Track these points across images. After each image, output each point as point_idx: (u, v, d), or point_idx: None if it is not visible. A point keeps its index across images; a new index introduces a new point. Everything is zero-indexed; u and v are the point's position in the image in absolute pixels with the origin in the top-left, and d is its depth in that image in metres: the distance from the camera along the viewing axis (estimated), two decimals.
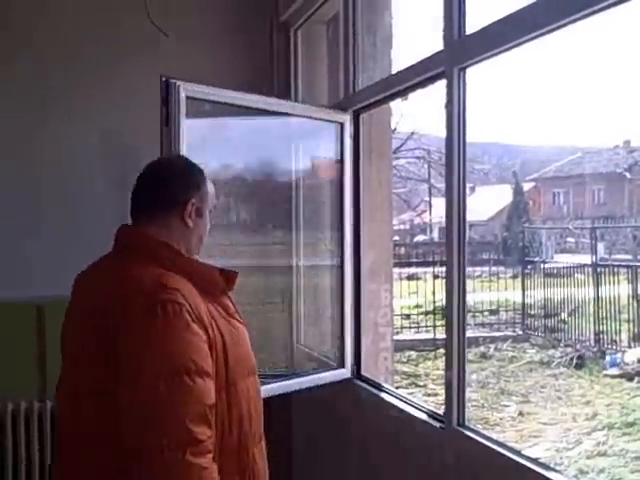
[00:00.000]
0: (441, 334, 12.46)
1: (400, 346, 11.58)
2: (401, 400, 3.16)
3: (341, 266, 3.69)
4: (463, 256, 2.64)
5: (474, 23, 2.61)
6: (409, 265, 18.98)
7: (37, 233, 4.16)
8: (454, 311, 2.66)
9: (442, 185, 17.62)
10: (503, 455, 2.34)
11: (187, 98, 2.91)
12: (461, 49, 2.60)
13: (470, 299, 14.51)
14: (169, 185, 2.13)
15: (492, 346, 11.61)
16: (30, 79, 4.22)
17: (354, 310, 3.70)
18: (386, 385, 3.42)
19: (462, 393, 2.65)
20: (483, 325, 13.30)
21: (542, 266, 14.36)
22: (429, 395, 9.02)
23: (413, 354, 11.47)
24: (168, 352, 1.86)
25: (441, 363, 10.80)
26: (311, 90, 4.50)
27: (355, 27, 3.63)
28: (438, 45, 2.77)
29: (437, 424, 2.77)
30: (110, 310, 1.92)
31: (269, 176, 4.43)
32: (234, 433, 2.02)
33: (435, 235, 31.97)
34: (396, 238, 26.91)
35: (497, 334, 12.51)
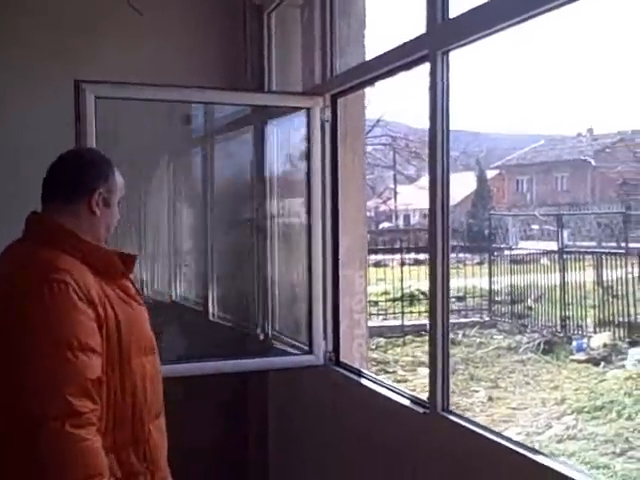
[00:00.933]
0: (409, 321, 12.53)
1: (369, 333, 11.61)
2: (382, 386, 3.15)
3: (309, 251, 3.67)
4: (447, 242, 2.62)
5: (457, 6, 2.60)
6: (375, 252, 19.05)
7: None
8: (438, 296, 2.65)
9: (409, 172, 17.73)
10: (489, 439, 2.34)
11: (97, 98, 3.26)
12: (445, 32, 2.58)
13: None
14: (76, 175, 2.25)
15: (460, 332, 11.66)
16: None
17: (332, 296, 3.67)
18: (365, 371, 3.40)
19: (447, 378, 2.64)
20: (450, 311, 13.33)
21: (508, 253, 14.46)
22: (399, 381, 9.02)
23: (382, 341, 11.50)
24: (52, 328, 1.98)
25: (410, 349, 10.89)
26: (286, 75, 4.45)
27: (332, 10, 3.59)
28: (418, 29, 2.75)
29: (421, 409, 2.76)
30: (2, 292, 2.08)
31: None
32: (127, 407, 2.14)
33: (400, 222, 32.17)
34: None
35: (465, 320, 12.59)
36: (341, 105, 3.83)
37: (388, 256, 17.75)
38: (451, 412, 2.61)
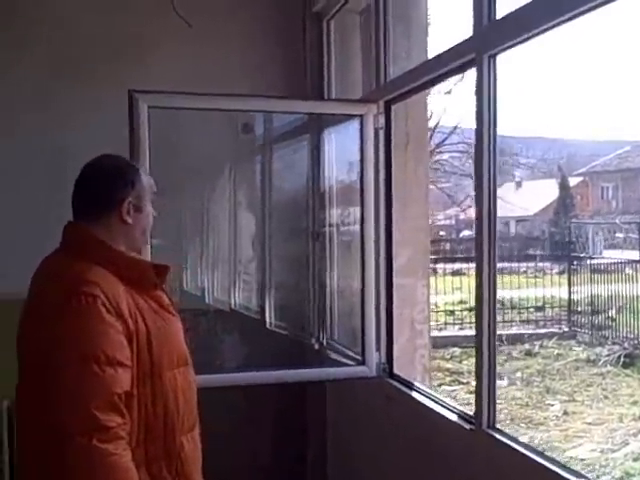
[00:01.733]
0: None
1: (444, 342, 11.44)
2: (432, 400, 3.06)
3: (362, 260, 3.60)
4: (494, 252, 2.52)
5: (505, 7, 2.50)
6: (453, 261, 18.81)
7: None
8: (485, 308, 2.55)
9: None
10: (532, 460, 2.23)
11: (150, 107, 3.27)
12: (491, 35, 2.49)
13: (515, 295, 14.33)
14: (102, 190, 2.21)
15: (537, 343, 11.38)
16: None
17: (386, 307, 3.60)
18: (417, 384, 3.31)
19: (493, 394, 2.54)
20: (528, 322, 13.08)
21: (589, 262, 14.05)
22: (472, 393, 8.83)
23: (457, 351, 11.28)
24: (79, 342, 1.97)
25: None
26: (346, 83, 4.41)
27: (386, 15, 3.53)
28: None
29: (467, 425, 2.67)
30: (34, 305, 2.10)
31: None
32: (159, 420, 2.11)
33: None
34: (442, 233, 26.69)
35: (543, 331, 12.30)
36: (402, 112, 3.78)
37: (466, 265, 17.45)
38: (497, 429, 2.52)
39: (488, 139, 2.52)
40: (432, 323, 12.03)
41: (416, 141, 4.00)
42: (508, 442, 2.40)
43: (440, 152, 16.51)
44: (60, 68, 4.14)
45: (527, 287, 14.87)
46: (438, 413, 2.92)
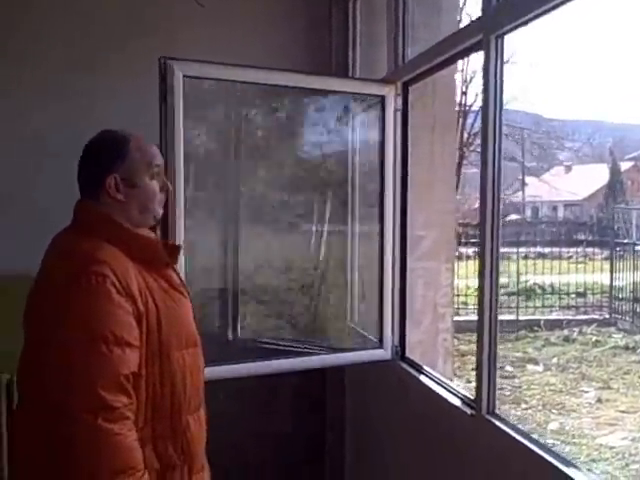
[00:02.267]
0: (524, 315, 12.20)
1: (472, 327, 11.36)
2: (438, 384, 3.04)
3: (381, 243, 3.57)
4: (497, 236, 2.49)
5: None
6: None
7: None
8: (486, 293, 2.52)
9: (531, 164, 17.17)
10: (525, 446, 2.21)
11: (185, 77, 3.05)
12: (497, 15, 2.44)
13: (559, 281, 14.16)
14: (87, 168, 2.17)
15: (576, 329, 11.25)
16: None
17: (400, 291, 3.58)
18: (426, 368, 3.30)
19: (493, 380, 2.53)
20: (569, 308, 12.93)
21: (633, 248, 13.80)
22: (506, 378, 8.80)
23: None
24: (87, 322, 1.95)
25: (521, 345, 10.58)
26: (371, 64, 4.37)
27: None
28: None
29: (469, 410, 2.65)
30: (43, 284, 2.06)
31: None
32: (166, 399, 2.10)
33: (528, 214, 31.38)
34: None
35: (583, 317, 12.14)
36: (429, 94, 3.75)
37: (511, 249, 17.25)
38: (496, 415, 2.50)
39: (494, 122, 2.49)
40: (462, 307, 12.05)
41: (443, 123, 3.96)
42: (505, 428, 2.38)
43: None
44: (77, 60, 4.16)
45: (572, 272, 14.70)
46: (443, 397, 2.90)
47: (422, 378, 3.20)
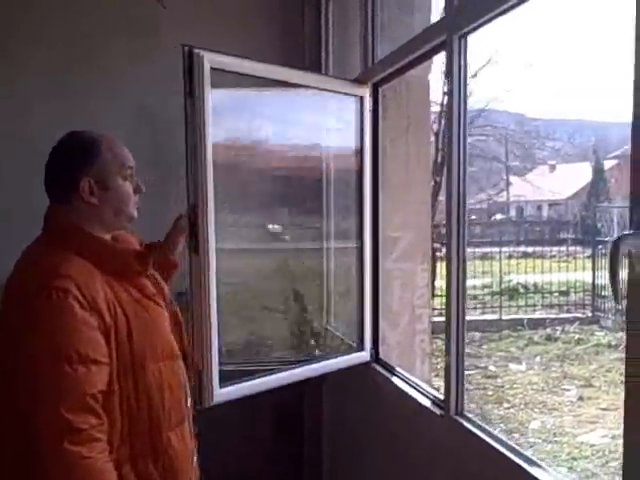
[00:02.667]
0: (507, 315, 12.22)
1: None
2: (410, 385, 3.04)
3: (361, 248, 3.55)
4: (463, 237, 2.48)
5: None
6: (481, 245, 18.69)
7: None
8: (453, 294, 2.51)
9: (514, 163, 17.15)
10: (492, 447, 2.21)
11: (213, 69, 2.77)
12: (459, 15, 2.44)
13: (542, 280, 14.19)
14: (56, 171, 2.11)
15: (559, 328, 11.28)
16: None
17: (372, 293, 3.57)
18: (399, 369, 3.29)
19: (461, 381, 2.51)
20: (552, 306, 12.96)
21: None
22: (488, 377, 8.81)
23: (477, 335, 11.20)
24: (49, 340, 1.89)
25: (504, 344, 10.59)
26: (344, 65, 4.36)
27: None
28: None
29: (438, 411, 2.64)
30: (7, 298, 2.01)
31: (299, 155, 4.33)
32: (143, 415, 2.04)
33: (513, 214, 31.45)
34: (473, 217, 26.53)
35: (566, 315, 12.18)
36: (404, 95, 3.74)
37: (496, 248, 17.31)
38: (465, 416, 2.48)
39: (458, 121, 2.48)
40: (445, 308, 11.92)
41: (417, 124, 3.95)
42: (473, 429, 2.37)
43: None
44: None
45: (556, 271, 14.74)
46: (414, 398, 2.89)
47: (395, 380, 3.19)
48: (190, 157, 2.65)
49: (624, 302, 1.58)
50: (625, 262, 1.54)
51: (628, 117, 1.57)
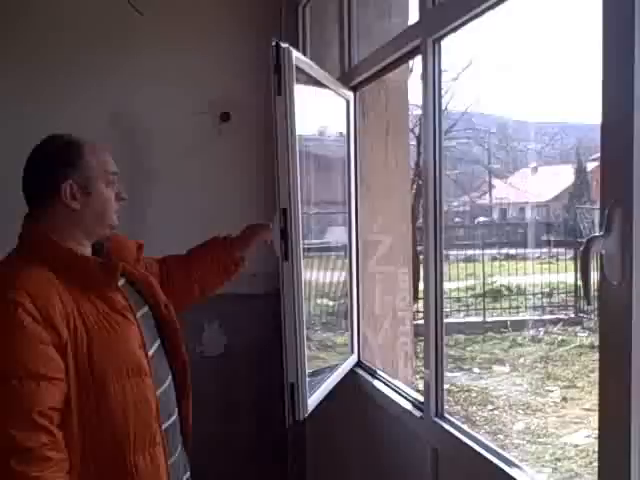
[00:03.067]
0: (491, 317, 12.27)
1: (449, 329, 11.42)
2: (390, 387, 3.04)
3: (349, 249, 3.56)
4: (440, 239, 2.49)
5: None
6: (465, 247, 18.74)
7: None
8: (431, 296, 2.51)
9: (496, 166, 17.23)
10: (471, 449, 2.21)
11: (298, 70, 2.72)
12: (433, 19, 2.45)
13: (526, 282, 14.23)
14: (34, 175, 2.05)
15: (543, 329, 11.32)
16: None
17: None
18: (380, 372, 3.30)
19: (440, 382, 2.52)
20: (535, 308, 13.01)
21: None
22: (472, 379, 8.84)
23: (461, 337, 11.24)
24: (2, 355, 1.82)
25: (488, 346, 10.63)
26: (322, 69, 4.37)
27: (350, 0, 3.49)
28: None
29: (418, 413, 2.65)
30: None
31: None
32: (106, 436, 1.94)
33: (496, 216, 31.54)
34: (457, 220, 26.61)
35: (549, 317, 12.22)
36: (382, 98, 3.76)
37: (479, 251, 17.37)
38: (445, 419, 2.49)
39: (433, 125, 2.49)
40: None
41: (396, 128, 3.97)
42: (453, 431, 2.38)
43: (448, 139, 16.47)
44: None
45: (540, 273, 14.78)
46: (395, 401, 2.90)
47: (376, 383, 3.20)
48: (281, 159, 2.52)
49: (595, 303, 1.60)
50: (596, 264, 1.55)
51: None
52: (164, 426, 2.08)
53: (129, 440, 1.95)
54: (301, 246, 2.55)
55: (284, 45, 2.60)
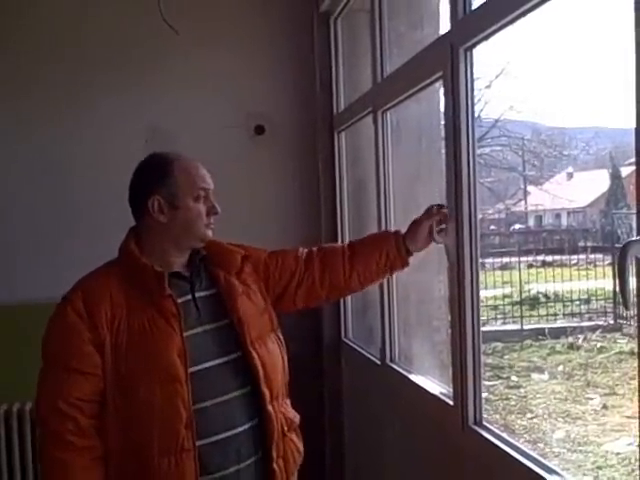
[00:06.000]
0: (528, 324, 12.17)
1: (486, 337, 11.35)
2: (429, 395, 3.03)
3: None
4: (476, 249, 2.48)
5: None
6: (501, 255, 18.61)
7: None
8: (467, 304, 2.50)
9: (530, 173, 17.09)
10: (512, 457, 2.20)
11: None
12: (464, 28, 2.46)
13: (564, 288, 14.09)
14: (131, 191, 2.25)
15: (581, 336, 11.21)
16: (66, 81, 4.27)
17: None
18: (412, 378, 3.27)
19: (478, 390, 2.51)
20: (573, 315, 12.88)
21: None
22: (511, 388, 8.78)
23: (499, 345, 11.16)
24: (44, 344, 2.13)
25: (526, 354, 10.55)
26: (355, 82, 4.40)
27: (382, 13, 3.50)
28: None
29: (456, 421, 2.63)
30: None
31: None
32: (133, 436, 2.10)
33: (531, 223, 31.30)
34: (492, 227, 26.45)
35: (588, 324, 12.10)
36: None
37: (515, 258, 17.27)
38: (483, 426, 2.48)
39: (467, 134, 2.48)
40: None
41: (428, 135, 3.99)
42: (492, 439, 2.37)
43: (481, 146, 16.40)
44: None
45: (577, 279, 14.64)
46: (433, 409, 2.89)
47: (414, 390, 3.19)
48: (456, 166, 2.49)
49: (634, 308, 1.60)
50: (634, 269, 1.55)
51: None
52: (214, 438, 2.16)
53: (153, 441, 2.09)
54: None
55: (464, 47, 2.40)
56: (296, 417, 2.42)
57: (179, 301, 2.17)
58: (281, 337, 2.42)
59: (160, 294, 2.15)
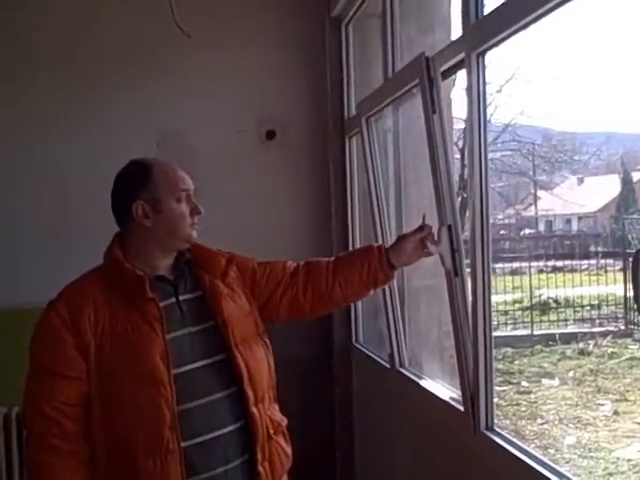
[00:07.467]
0: (539, 330, 12.13)
1: (496, 343, 11.30)
2: (440, 400, 3.03)
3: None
4: (487, 252, 2.48)
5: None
6: (511, 260, 18.56)
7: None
8: (479, 310, 2.50)
9: (541, 177, 17.04)
10: (524, 462, 2.20)
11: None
12: (477, 33, 2.46)
13: (574, 293, 14.05)
14: (113, 197, 2.26)
15: (592, 342, 11.16)
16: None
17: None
18: (429, 384, 3.28)
19: (490, 395, 2.51)
20: (584, 320, 12.83)
21: None
22: (521, 393, 8.76)
23: (509, 351, 11.12)
24: (32, 349, 2.17)
25: (536, 360, 10.51)
26: (366, 83, 4.41)
27: (393, 19, 3.51)
28: None
29: (467, 426, 2.63)
30: None
31: None
32: (118, 439, 2.12)
33: (542, 228, 31.22)
34: (502, 232, 26.38)
35: (598, 329, 12.03)
36: None
37: (525, 263, 17.21)
38: (494, 431, 2.48)
39: (479, 138, 2.49)
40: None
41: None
42: (503, 444, 2.37)
43: (492, 151, 16.34)
44: None
45: (588, 285, 14.58)
46: (444, 414, 2.89)
47: (426, 394, 3.19)
48: (440, 176, 2.64)
49: None
50: None
51: None
52: (200, 439, 2.16)
53: (138, 443, 2.11)
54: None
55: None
56: (283, 421, 2.40)
57: (163, 304, 2.19)
58: (268, 342, 2.41)
59: (142, 298, 2.16)
